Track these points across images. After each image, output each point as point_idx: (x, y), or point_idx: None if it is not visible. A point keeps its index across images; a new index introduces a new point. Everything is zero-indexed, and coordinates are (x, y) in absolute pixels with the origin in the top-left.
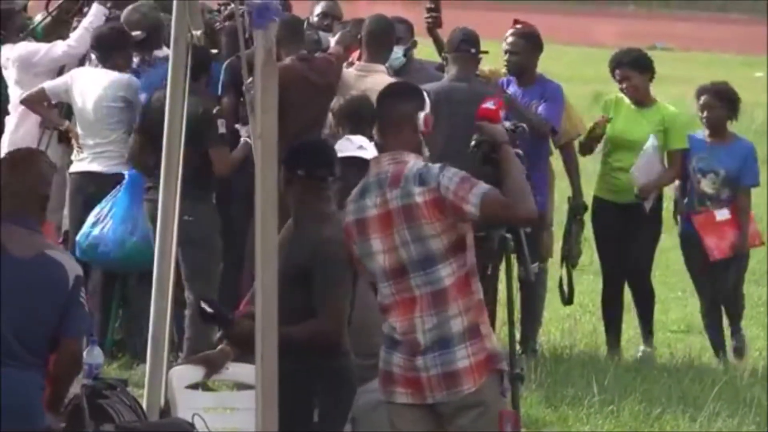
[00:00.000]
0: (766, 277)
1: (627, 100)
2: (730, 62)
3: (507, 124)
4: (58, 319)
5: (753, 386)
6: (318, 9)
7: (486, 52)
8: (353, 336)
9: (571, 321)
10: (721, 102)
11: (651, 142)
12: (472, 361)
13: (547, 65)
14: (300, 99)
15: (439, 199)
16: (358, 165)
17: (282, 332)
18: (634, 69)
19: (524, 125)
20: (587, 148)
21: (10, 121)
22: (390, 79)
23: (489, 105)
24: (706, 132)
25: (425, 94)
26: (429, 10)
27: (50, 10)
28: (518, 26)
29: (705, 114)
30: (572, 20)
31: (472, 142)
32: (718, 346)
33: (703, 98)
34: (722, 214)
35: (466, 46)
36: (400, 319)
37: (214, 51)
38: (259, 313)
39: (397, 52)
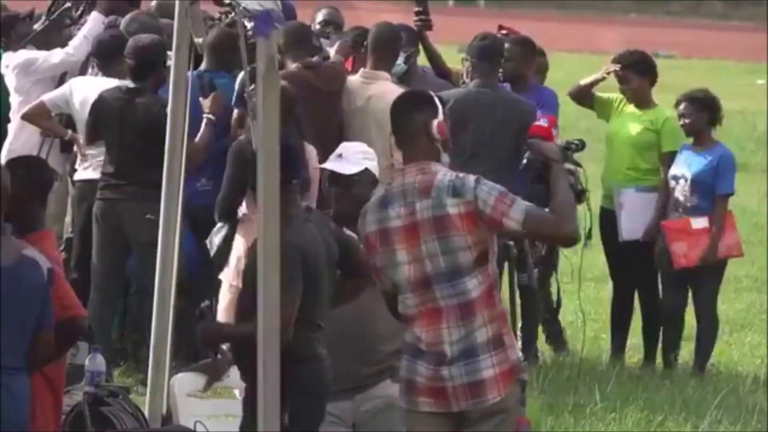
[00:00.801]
0: (766, 284)
1: (630, 104)
2: (732, 69)
3: (559, 142)
4: (39, 316)
5: (755, 393)
6: (320, 17)
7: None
8: (358, 344)
9: (574, 328)
10: (699, 109)
11: (618, 199)
12: (497, 371)
13: (549, 73)
14: (306, 106)
15: (474, 213)
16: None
17: (235, 332)
18: (634, 72)
19: (578, 141)
20: (584, 91)
21: (10, 129)
22: (394, 86)
23: (542, 122)
24: (690, 139)
25: (437, 100)
26: (417, 13)
27: (48, 15)
28: (503, 32)
29: (682, 121)
30: (574, 27)
31: (524, 161)
32: (667, 358)
33: (681, 106)
34: (699, 222)
35: (493, 53)
36: (426, 329)
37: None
38: (261, 317)
39: (399, 59)
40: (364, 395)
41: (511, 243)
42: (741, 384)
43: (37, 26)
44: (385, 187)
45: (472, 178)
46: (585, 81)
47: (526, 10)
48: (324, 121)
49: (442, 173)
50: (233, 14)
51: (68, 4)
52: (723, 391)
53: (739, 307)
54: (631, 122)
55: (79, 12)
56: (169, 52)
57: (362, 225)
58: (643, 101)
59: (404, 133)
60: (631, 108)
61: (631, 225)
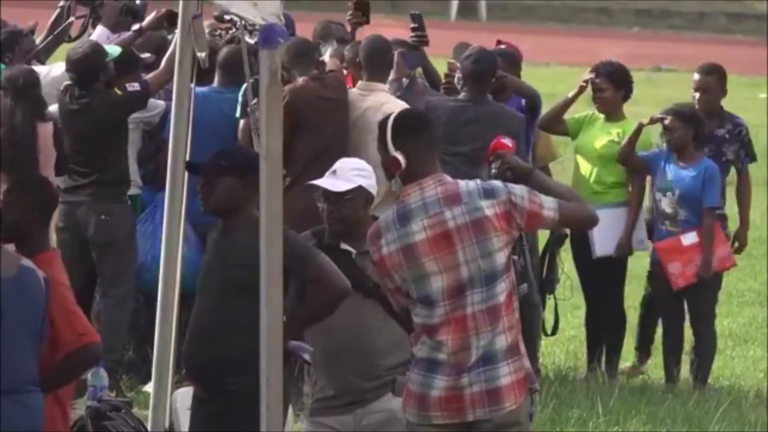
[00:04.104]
0: (767, 298)
1: (600, 117)
2: (734, 83)
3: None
4: (41, 327)
5: (757, 407)
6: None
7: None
8: (358, 358)
9: (576, 342)
10: (687, 124)
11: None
12: (514, 378)
13: (552, 87)
14: (317, 117)
15: (509, 211)
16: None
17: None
18: (609, 82)
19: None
20: (556, 118)
21: None
22: (391, 98)
23: (506, 141)
24: (674, 154)
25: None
26: (413, 29)
27: (52, 30)
28: (501, 46)
29: (668, 136)
30: (576, 41)
31: (493, 171)
32: (669, 372)
33: (667, 120)
34: (689, 238)
35: (485, 75)
36: (452, 337)
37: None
38: (264, 327)
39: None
40: (364, 409)
41: (516, 257)
42: (743, 398)
43: (38, 40)
44: (398, 205)
45: (497, 181)
46: (569, 96)
47: (528, 24)
48: (336, 129)
49: (463, 181)
50: (233, 30)
51: (71, 20)
52: (725, 405)
53: (741, 321)
54: (598, 135)
55: (84, 26)
56: (147, 55)
57: (377, 248)
58: (612, 113)
59: (419, 149)
60: (600, 121)
61: (604, 241)
